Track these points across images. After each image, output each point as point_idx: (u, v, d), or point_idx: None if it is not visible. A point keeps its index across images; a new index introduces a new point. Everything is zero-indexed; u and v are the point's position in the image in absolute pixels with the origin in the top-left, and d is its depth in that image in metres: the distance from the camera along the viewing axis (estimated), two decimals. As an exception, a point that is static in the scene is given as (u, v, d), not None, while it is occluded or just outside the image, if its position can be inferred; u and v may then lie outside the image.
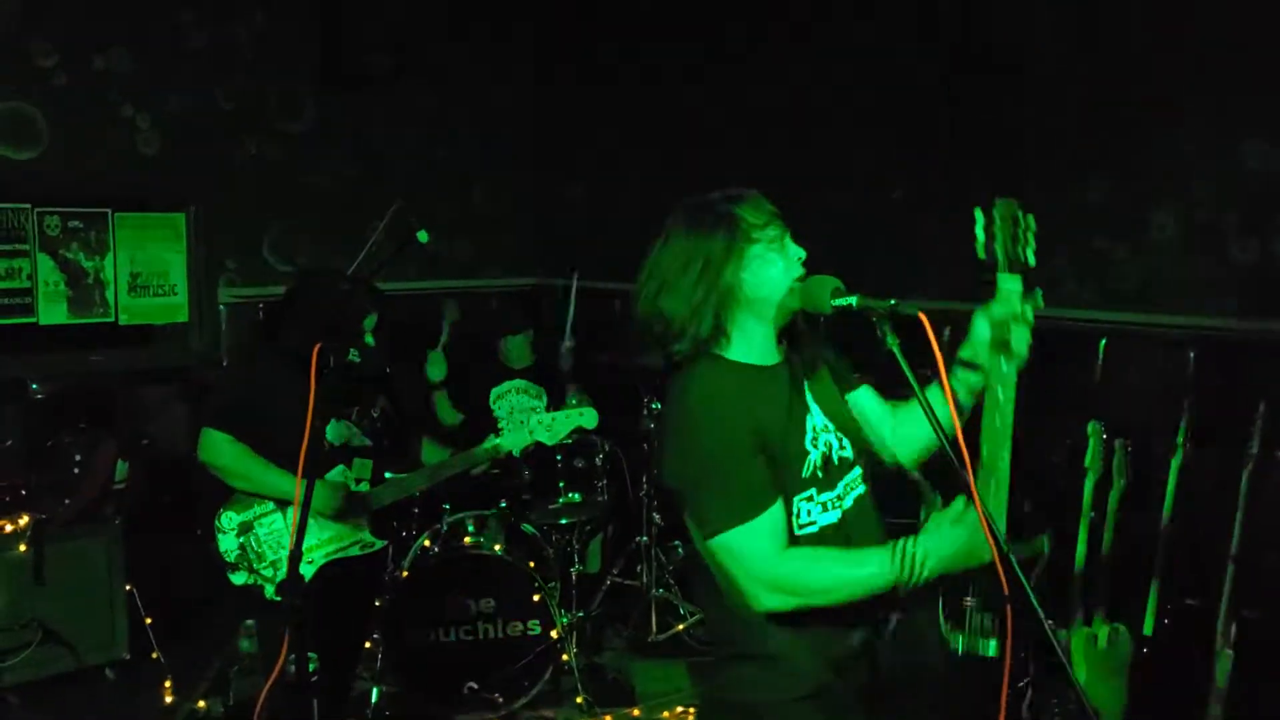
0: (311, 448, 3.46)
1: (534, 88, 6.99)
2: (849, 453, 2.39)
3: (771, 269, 2.30)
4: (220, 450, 3.56)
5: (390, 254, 5.30)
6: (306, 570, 3.65)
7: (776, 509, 2.21)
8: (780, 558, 2.19)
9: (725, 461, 2.20)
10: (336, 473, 3.78)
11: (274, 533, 3.66)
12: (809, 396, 2.39)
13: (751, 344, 2.34)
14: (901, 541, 2.18)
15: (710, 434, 2.23)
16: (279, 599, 3.66)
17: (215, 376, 3.79)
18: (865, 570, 2.18)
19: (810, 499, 2.28)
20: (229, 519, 3.65)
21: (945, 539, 2.17)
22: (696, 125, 6.11)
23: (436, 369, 5.69)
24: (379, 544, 3.89)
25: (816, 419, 2.36)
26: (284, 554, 3.64)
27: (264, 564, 3.66)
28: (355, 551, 3.81)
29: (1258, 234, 4.06)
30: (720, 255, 2.29)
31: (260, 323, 3.76)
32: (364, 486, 3.83)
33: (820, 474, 2.30)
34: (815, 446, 2.32)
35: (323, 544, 3.73)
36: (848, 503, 2.34)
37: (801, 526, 2.27)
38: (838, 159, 5.31)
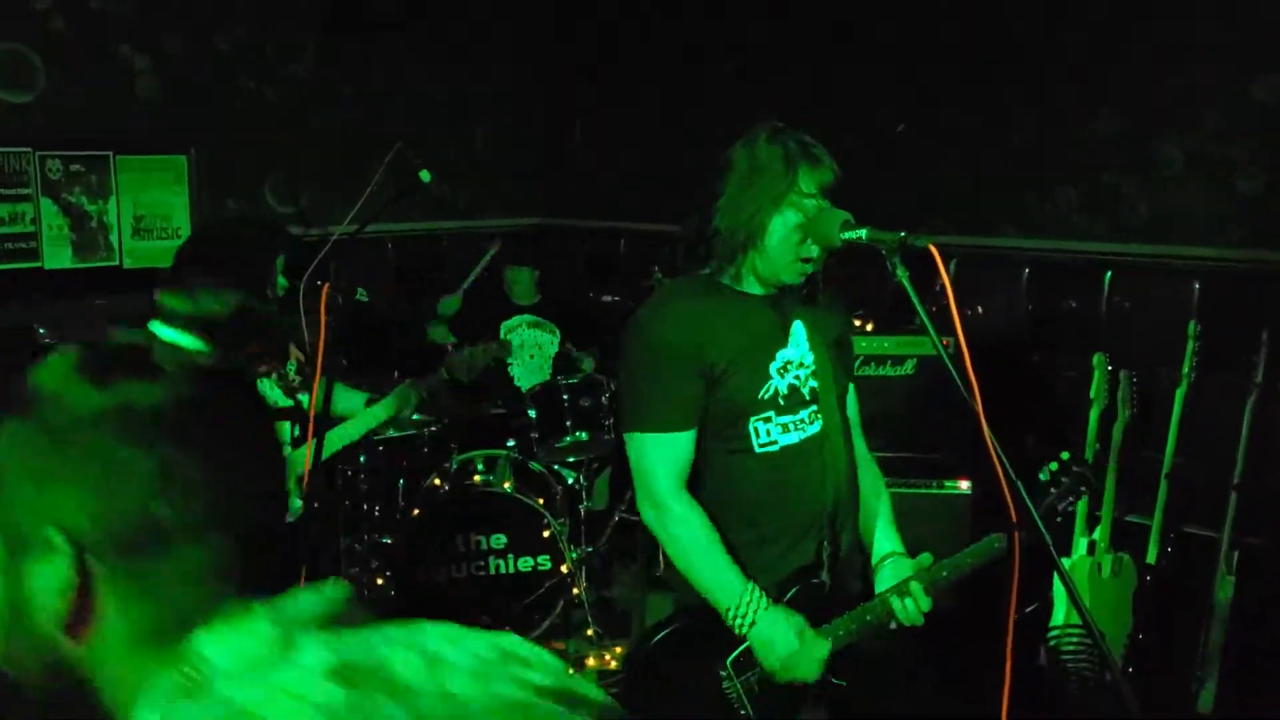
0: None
1: (538, 28, 6.91)
2: (817, 386, 2.42)
3: (785, 227, 2.31)
4: None
5: (392, 195, 5.30)
6: None
7: (682, 438, 2.32)
8: (664, 484, 2.31)
9: (654, 372, 2.33)
10: None
11: None
12: (794, 331, 2.42)
13: (743, 280, 2.41)
14: (752, 598, 2.26)
15: (651, 343, 2.34)
16: None
17: None
18: (709, 580, 2.29)
19: (768, 419, 2.36)
20: None
21: (780, 640, 2.25)
22: (702, 65, 6.06)
23: (449, 306, 5.74)
24: (298, 506, 3.62)
25: (793, 353, 2.41)
26: None
27: None
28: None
29: (1264, 165, 4.05)
30: (766, 195, 2.30)
31: (163, 283, 3.45)
32: (286, 451, 3.59)
33: (782, 400, 2.37)
34: (784, 375, 2.38)
35: None
36: (811, 430, 2.41)
37: (762, 445, 2.37)
38: (845, 94, 5.28)
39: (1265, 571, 3.81)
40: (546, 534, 4.64)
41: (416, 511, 4.63)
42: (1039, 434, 4.50)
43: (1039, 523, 2.09)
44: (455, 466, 4.84)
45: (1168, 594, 3.93)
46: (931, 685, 2.61)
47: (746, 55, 5.83)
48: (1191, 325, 3.96)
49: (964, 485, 4.31)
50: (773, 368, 2.37)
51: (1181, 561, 3.97)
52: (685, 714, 2.37)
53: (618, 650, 4.68)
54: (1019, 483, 2.06)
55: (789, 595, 2.35)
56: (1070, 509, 2.38)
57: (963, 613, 3.10)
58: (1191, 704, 3.75)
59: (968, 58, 4.87)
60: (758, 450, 2.36)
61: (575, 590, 4.74)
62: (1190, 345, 3.93)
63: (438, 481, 4.80)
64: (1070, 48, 4.54)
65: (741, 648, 2.33)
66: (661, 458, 2.32)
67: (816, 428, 2.41)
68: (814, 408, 2.41)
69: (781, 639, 2.26)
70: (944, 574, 2.31)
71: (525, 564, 4.65)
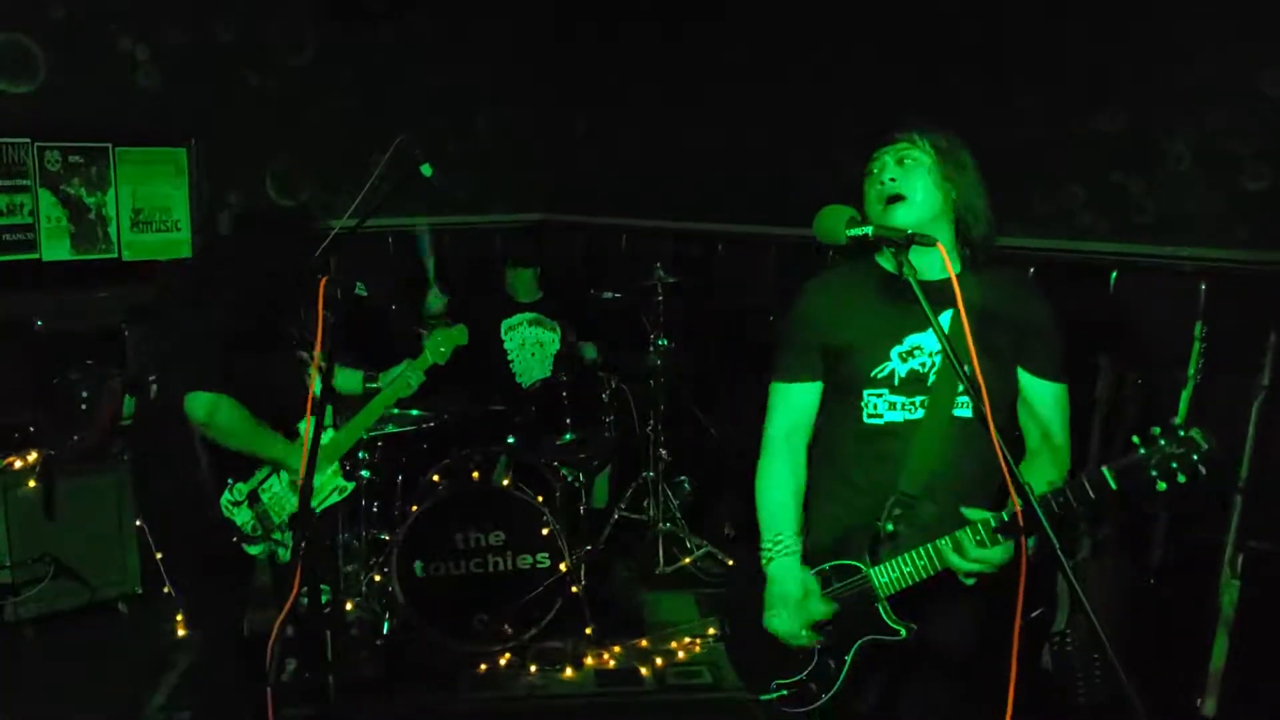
0: (292, 399, 3.45)
1: (539, 20, 6.88)
2: (938, 376, 2.47)
3: (866, 199, 2.50)
4: (220, 410, 3.34)
5: (393, 188, 5.26)
6: None
7: (797, 390, 2.61)
8: (773, 429, 2.63)
9: (788, 333, 2.64)
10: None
11: (275, 496, 3.57)
12: (937, 321, 2.36)
13: (889, 259, 2.50)
14: (781, 542, 2.54)
15: (794, 309, 2.63)
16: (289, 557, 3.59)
17: (172, 326, 3.46)
18: (761, 517, 2.61)
19: (880, 395, 2.49)
20: (238, 492, 3.51)
21: (781, 586, 2.50)
22: (705, 61, 6.03)
23: (436, 304, 5.73)
24: (350, 486, 3.82)
25: (927, 340, 2.47)
26: (286, 517, 3.58)
27: (275, 529, 3.57)
28: (336, 499, 3.77)
29: (1273, 164, 4.01)
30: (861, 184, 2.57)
31: (202, 270, 3.47)
32: (329, 432, 3.68)
33: (898, 382, 2.48)
34: (906, 359, 2.47)
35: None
36: (915, 414, 2.48)
37: (870, 416, 2.51)
38: (851, 91, 5.25)
39: (1270, 575, 3.77)
40: (545, 532, 4.61)
41: (415, 508, 4.60)
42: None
43: (1045, 525, 2.05)
44: (454, 463, 4.81)
45: (1172, 597, 3.90)
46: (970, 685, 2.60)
47: (750, 52, 5.79)
48: (1198, 326, 3.92)
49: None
50: (895, 350, 2.48)
51: (1186, 565, 3.94)
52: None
53: (616, 649, 4.66)
54: (1028, 485, 2.03)
55: (847, 527, 2.53)
56: (1169, 483, 2.11)
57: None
58: (1196, 709, 3.73)
59: (972, 54, 4.83)
60: (865, 420, 2.51)
61: (574, 589, 4.72)
62: (1196, 346, 3.90)
63: (436, 478, 4.78)
64: (1076, 44, 4.50)
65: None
66: (777, 405, 2.64)
67: (920, 414, 2.48)
68: (925, 397, 2.48)
69: (784, 585, 2.50)
70: (992, 523, 2.28)
71: (524, 561, 4.63)
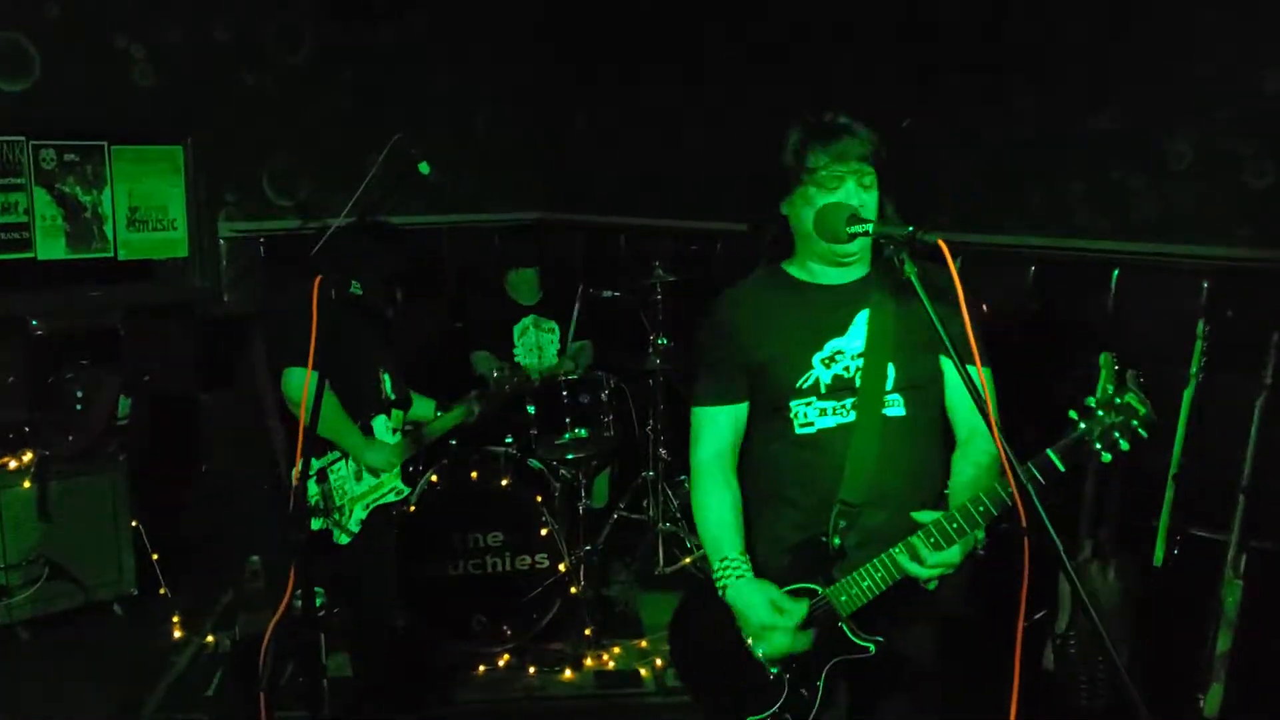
0: (368, 395, 3.84)
1: (538, 18, 6.86)
2: (862, 377, 2.42)
3: (809, 210, 2.37)
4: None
5: (390, 186, 5.26)
6: (362, 514, 3.86)
7: (722, 413, 2.54)
8: (701, 454, 2.55)
9: (704, 355, 2.58)
10: (379, 423, 3.92)
11: (341, 479, 3.86)
12: (855, 321, 2.44)
13: (807, 267, 2.50)
14: (729, 566, 2.43)
15: (706, 329, 2.59)
16: (345, 541, 3.83)
17: (281, 312, 3.71)
18: (706, 545, 2.52)
19: (809, 404, 2.44)
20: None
21: (748, 610, 2.38)
22: (705, 59, 6.01)
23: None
24: (407, 490, 4.06)
25: (845, 343, 2.44)
26: (347, 500, 3.86)
27: (335, 509, 3.84)
28: (392, 498, 3.96)
29: (1275, 161, 3.99)
30: (787, 185, 2.44)
31: (314, 261, 3.89)
32: (396, 437, 3.98)
33: (824, 389, 2.43)
34: (830, 365, 2.43)
35: (372, 490, 3.91)
36: (846, 418, 2.43)
37: (801, 426, 2.46)
38: (849, 90, 5.22)
39: (1273, 576, 3.75)
40: (544, 532, 4.59)
41: (413, 508, 4.57)
42: (1041, 435, 4.44)
43: (1049, 525, 2.02)
44: (452, 463, 4.79)
45: (1174, 597, 3.88)
46: (939, 691, 2.56)
47: (750, 50, 5.77)
48: (1200, 324, 3.90)
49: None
50: (817, 358, 2.43)
51: (1188, 565, 3.92)
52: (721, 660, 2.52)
53: (615, 650, 4.64)
54: (1029, 485, 2.00)
55: (795, 547, 2.45)
56: (1113, 452, 2.12)
57: (969, 616, 3.04)
58: (1198, 708, 3.71)
59: (973, 52, 4.81)
60: (797, 431, 2.45)
61: (573, 589, 4.69)
62: (1199, 345, 3.88)
63: (434, 478, 4.75)
64: (1076, 41, 4.48)
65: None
66: (703, 431, 2.56)
67: (851, 417, 2.43)
68: (854, 398, 2.43)
69: (750, 609, 2.38)
70: (953, 525, 2.25)
71: (522, 562, 4.60)
